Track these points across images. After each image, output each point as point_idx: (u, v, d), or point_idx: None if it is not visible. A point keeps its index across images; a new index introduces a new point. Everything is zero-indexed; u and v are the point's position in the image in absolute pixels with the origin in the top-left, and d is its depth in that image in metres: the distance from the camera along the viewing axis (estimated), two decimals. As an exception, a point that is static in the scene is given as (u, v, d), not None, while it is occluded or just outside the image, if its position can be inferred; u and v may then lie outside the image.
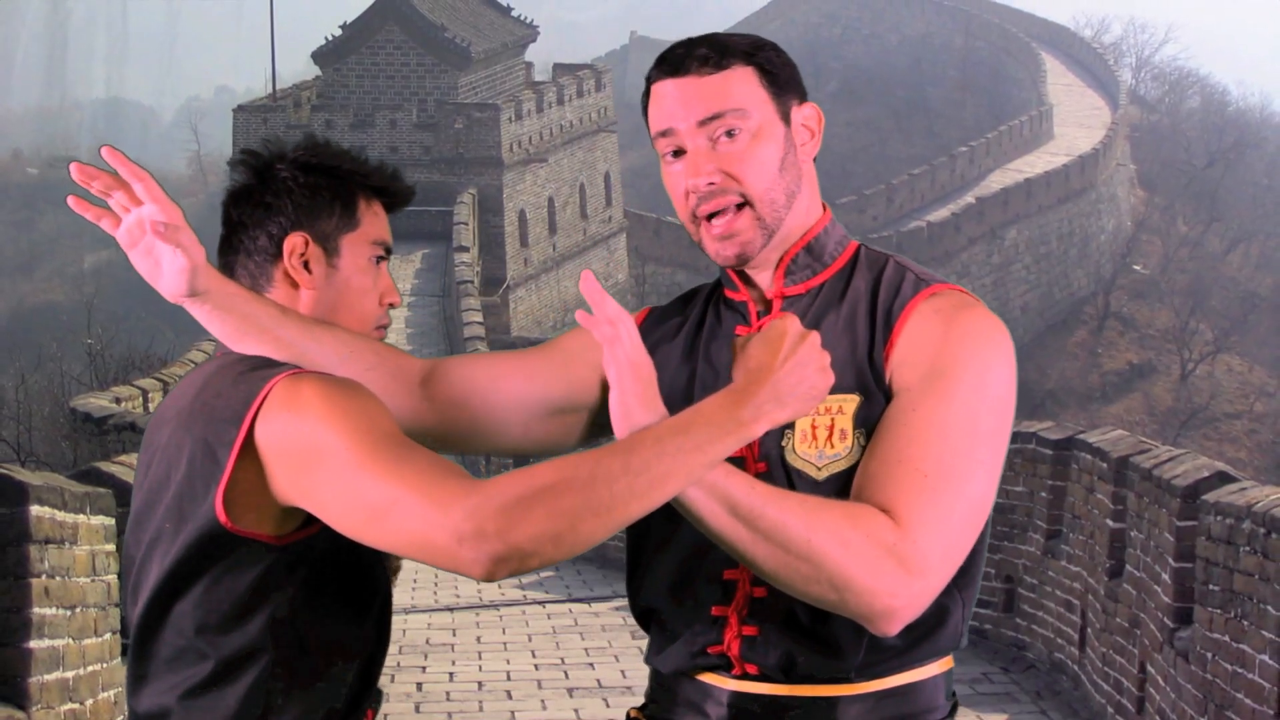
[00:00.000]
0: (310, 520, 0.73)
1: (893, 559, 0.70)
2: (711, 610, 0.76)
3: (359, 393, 0.72)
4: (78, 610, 1.79)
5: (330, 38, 19.21)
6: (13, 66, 67.44)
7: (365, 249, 0.80)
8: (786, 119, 0.78)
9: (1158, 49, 32.46)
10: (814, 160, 0.80)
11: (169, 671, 0.73)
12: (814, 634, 0.74)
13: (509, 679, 3.24)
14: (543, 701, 3.00)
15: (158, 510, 0.75)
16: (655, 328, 0.81)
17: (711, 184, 0.76)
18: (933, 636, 0.76)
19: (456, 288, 14.47)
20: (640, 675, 3.56)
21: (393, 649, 0.71)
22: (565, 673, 3.28)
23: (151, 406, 7.05)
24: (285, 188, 0.79)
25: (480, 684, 3.21)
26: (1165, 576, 2.53)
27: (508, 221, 18.45)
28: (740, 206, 0.76)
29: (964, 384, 0.74)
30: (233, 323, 0.74)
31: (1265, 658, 2.03)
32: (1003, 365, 0.75)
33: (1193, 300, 21.17)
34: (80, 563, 1.82)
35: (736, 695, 0.75)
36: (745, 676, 0.75)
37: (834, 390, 0.74)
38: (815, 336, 0.71)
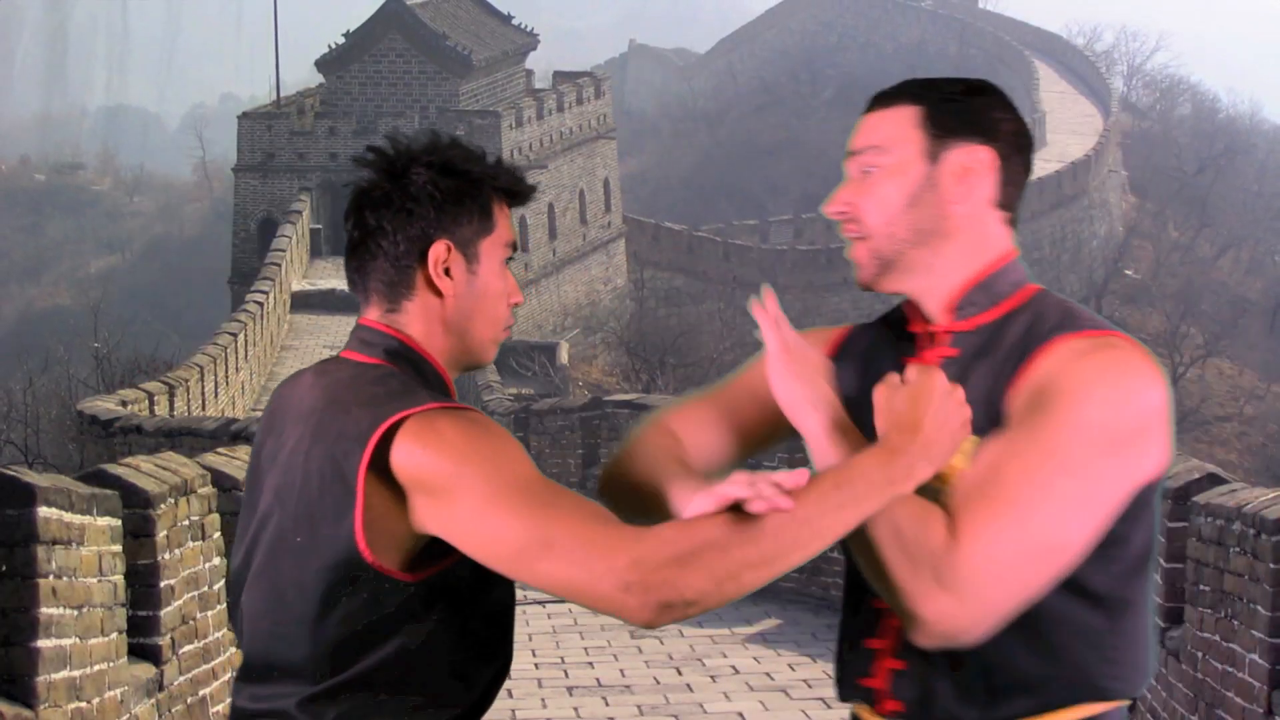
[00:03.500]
0: (445, 553, 0.73)
1: (928, 568, 0.71)
2: (866, 641, 0.77)
3: (495, 430, 0.73)
4: (85, 610, 1.81)
5: (333, 46, 19.31)
6: (12, 69, 67.32)
7: (500, 251, 0.81)
8: (935, 159, 0.79)
9: (1149, 57, 32.86)
10: (997, 204, 0.79)
11: (292, 679, 0.74)
12: (950, 674, 0.74)
13: (509, 678, 3.30)
14: (543, 700, 3.02)
15: (286, 521, 0.75)
16: (853, 343, 0.84)
17: (840, 213, 0.81)
18: (1063, 683, 0.74)
19: (456, 293, 14.58)
20: (639, 674, 3.58)
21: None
22: (565, 672, 3.30)
23: (158, 409, 6.99)
24: (427, 194, 0.78)
25: (482, 684, 3.29)
26: (1156, 577, 2.56)
27: (507, 227, 18.59)
28: (862, 235, 0.80)
29: (1056, 415, 0.72)
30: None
31: (1255, 657, 2.05)
32: (1115, 398, 0.73)
33: (1183, 304, 21.27)
34: (87, 563, 1.83)
35: None
36: (892, 715, 0.76)
37: None
38: (960, 392, 0.73)
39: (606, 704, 2.98)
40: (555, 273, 19.64)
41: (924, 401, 0.73)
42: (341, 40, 19.37)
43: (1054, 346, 0.76)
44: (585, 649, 3.49)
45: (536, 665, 3.36)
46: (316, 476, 0.74)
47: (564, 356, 15.76)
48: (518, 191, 0.82)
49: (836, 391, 0.78)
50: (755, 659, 3.36)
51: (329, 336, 13.13)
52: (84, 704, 1.82)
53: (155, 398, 7.12)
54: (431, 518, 0.72)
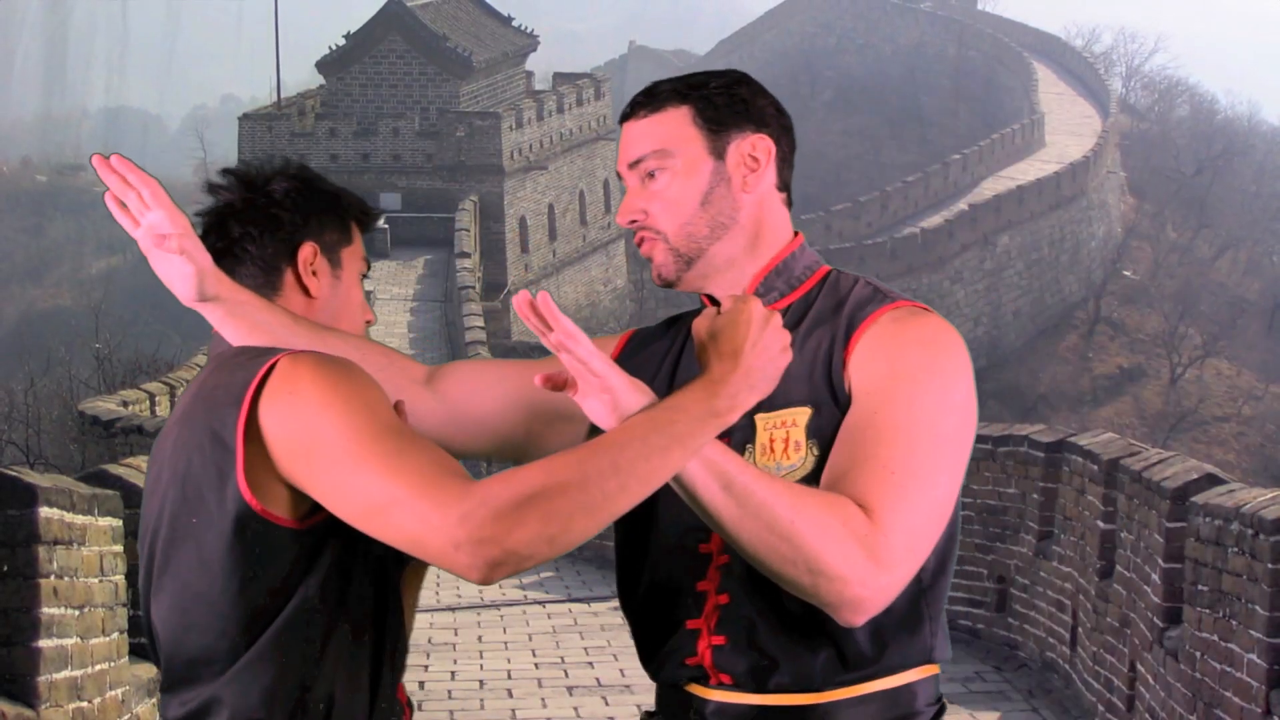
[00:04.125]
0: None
1: (864, 550, 0.72)
2: (686, 623, 0.78)
3: (356, 375, 0.72)
4: (86, 610, 1.82)
5: (334, 47, 19.34)
6: (12, 70, 67.30)
7: (358, 264, 0.83)
8: (720, 154, 0.80)
9: (1147, 58, 32.78)
10: (785, 187, 0.82)
11: (214, 665, 0.74)
12: (776, 643, 0.76)
13: (510, 678, 3.27)
14: (543, 700, 3.03)
15: (178, 511, 0.74)
16: (639, 350, 0.84)
17: (632, 221, 0.81)
18: (902, 645, 0.76)
19: (458, 293, 14.46)
20: (638, 674, 3.57)
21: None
22: (565, 671, 3.30)
23: (159, 410, 6.97)
24: (291, 200, 0.81)
25: (481, 682, 3.24)
26: (1155, 577, 2.56)
27: (508, 228, 18.46)
28: (659, 237, 0.80)
29: (927, 389, 0.75)
30: (245, 328, 0.76)
31: (1253, 656, 2.05)
32: (963, 373, 0.77)
33: (1182, 305, 21.28)
34: (88, 563, 1.85)
35: (718, 705, 0.77)
36: (722, 686, 0.77)
37: (787, 404, 0.77)
38: (777, 317, 0.73)
39: (606, 704, 2.98)
40: (555, 273, 19.64)
41: (743, 328, 0.72)
42: (342, 42, 19.38)
43: (877, 318, 0.78)
44: (585, 649, 3.48)
45: (536, 665, 3.36)
46: (197, 455, 0.74)
47: (564, 358, 15.81)
48: (367, 213, 0.84)
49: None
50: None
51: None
52: (85, 703, 1.83)
53: (156, 398, 7.11)
54: (295, 472, 0.72)
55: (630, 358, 0.83)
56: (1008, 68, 29.69)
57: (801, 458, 0.77)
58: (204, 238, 0.81)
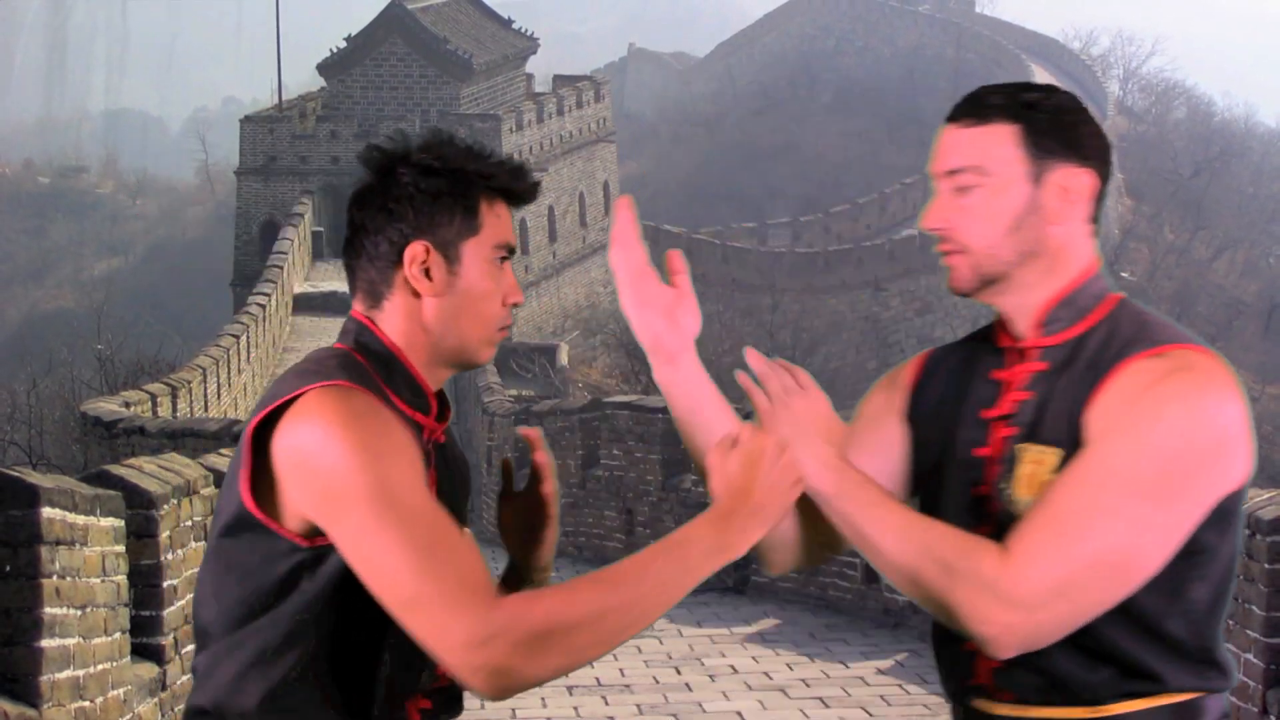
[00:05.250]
0: None
1: (989, 592, 0.74)
2: (963, 645, 0.79)
3: (388, 426, 0.72)
4: (88, 610, 1.82)
5: (335, 50, 19.35)
6: (11, 72, 67.22)
7: (487, 252, 0.79)
8: (1037, 180, 0.79)
9: (1145, 61, 32.82)
10: (1093, 221, 0.80)
11: (206, 640, 0.76)
12: (1054, 661, 0.77)
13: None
14: (543, 699, 3.03)
15: (220, 495, 0.79)
16: (937, 366, 0.86)
17: (938, 229, 0.82)
18: (1155, 673, 0.77)
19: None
20: (637, 673, 3.58)
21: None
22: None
23: (161, 411, 7.00)
24: (407, 194, 0.78)
25: (483, 684, 3.30)
26: (1150, 576, 2.62)
27: (508, 230, 18.62)
28: (963, 251, 0.81)
29: (1127, 436, 0.74)
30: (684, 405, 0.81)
31: (1251, 656, 2.07)
32: (1188, 420, 0.74)
33: (1179, 306, 21.40)
34: (90, 563, 1.85)
35: (1003, 719, 0.79)
36: (1006, 702, 0.79)
37: (1042, 440, 0.77)
38: (789, 454, 0.77)
39: (606, 703, 3.00)
40: (555, 275, 19.70)
41: (755, 465, 0.75)
42: (343, 44, 19.39)
43: (1128, 366, 0.77)
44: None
45: (536, 665, 3.42)
46: (235, 454, 0.77)
47: (564, 358, 15.77)
48: (513, 191, 0.80)
49: (917, 414, 0.81)
50: (754, 658, 3.37)
51: (330, 338, 12.73)
52: (87, 703, 1.84)
53: (158, 399, 7.11)
54: (314, 514, 0.73)
55: (928, 376, 0.85)
56: (1006, 70, 29.67)
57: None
58: (347, 215, 0.80)
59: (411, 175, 0.79)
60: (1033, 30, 33.26)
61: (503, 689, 0.70)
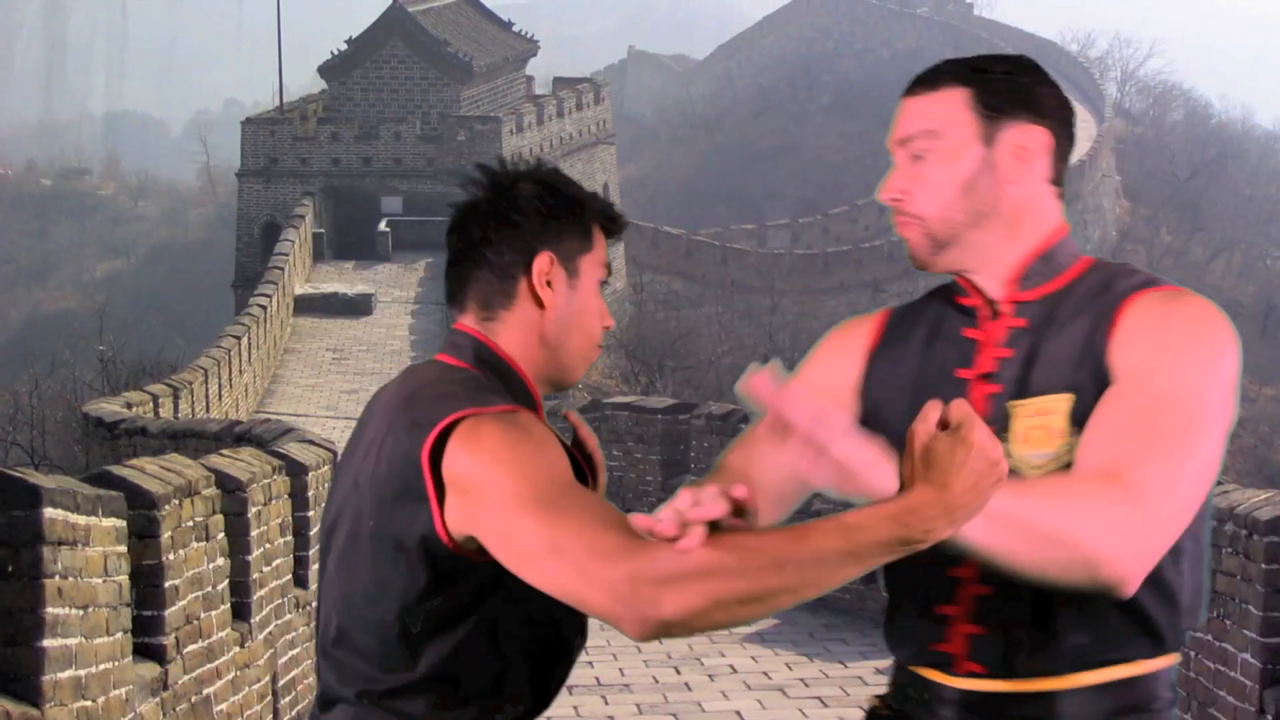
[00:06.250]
0: None
1: (1131, 527, 0.69)
2: (936, 608, 0.76)
3: (535, 433, 0.74)
4: (90, 610, 1.81)
5: (336, 52, 19.35)
6: (11, 73, 67.07)
7: (598, 270, 0.83)
8: (990, 141, 0.77)
9: (1142, 63, 33.01)
10: (1059, 180, 0.77)
11: (367, 666, 0.75)
12: (1034, 633, 0.74)
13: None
14: (544, 701, 3.09)
15: (364, 497, 0.76)
16: (898, 325, 0.82)
17: (894, 199, 0.79)
18: (1148, 633, 0.75)
19: (458, 297, 14.62)
20: (637, 673, 3.58)
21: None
22: (566, 673, 3.37)
23: (162, 412, 6.98)
24: (534, 208, 0.80)
25: (483, 685, 3.30)
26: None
27: (507, 233, 18.57)
28: (916, 218, 0.79)
29: (1192, 360, 0.73)
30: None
31: (1247, 656, 2.08)
32: (1229, 349, 0.74)
33: (1177, 309, 21.59)
34: (93, 564, 1.84)
35: (961, 692, 0.76)
36: (970, 675, 0.76)
37: (1045, 390, 0.74)
38: (999, 450, 0.66)
39: (606, 703, 3.00)
40: (554, 278, 19.60)
41: (960, 455, 0.66)
42: (344, 46, 19.40)
43: (1134, 302, 0.76)
44: (585, 648, 3.51)
45: (536, 666, 3.42)
46: (387, 464, 0.76)
47: (563, 360, 15.78)
48: (613, 219, 0.84)
49: (873, 394, 0.76)
50: (753, 658, 3.38)
51: (332, 339, 13.16)
52: (89, 703, 1.84)
53: (160, 400, 7.10)
54: (465, 518, 0.74)
55: (891, 335, 0.82)
56: (1004, 73, 29.83)
57: (1062, 445, 0.74)
58: (448, 234, 0.82)
59: (534, 190, 0.81)
60: (1030, 33, 33.37)
61: (646, 621, 0.66)
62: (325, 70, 19.52)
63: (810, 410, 0.68)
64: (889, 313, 0.85)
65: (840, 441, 0.68)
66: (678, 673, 3.24)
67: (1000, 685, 0.77)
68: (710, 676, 3.22)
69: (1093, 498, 0.71)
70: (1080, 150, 24.63)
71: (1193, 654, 2.30)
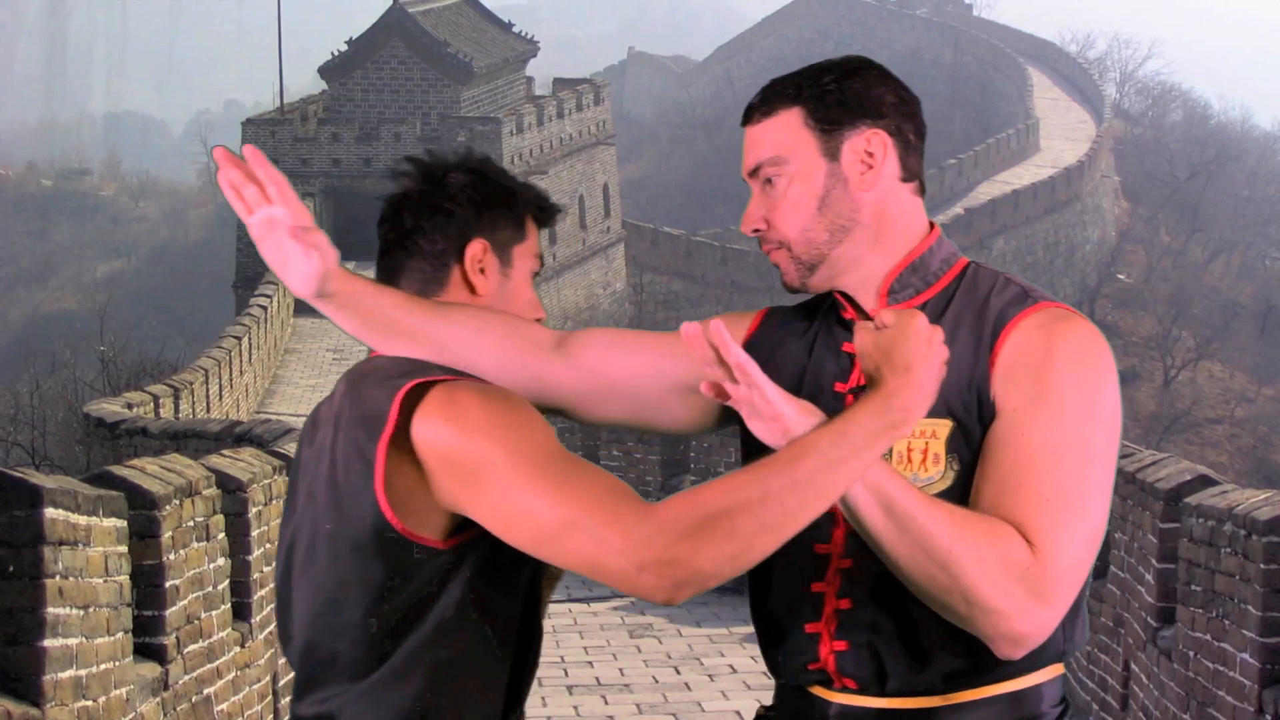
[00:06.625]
0: (471, 522, 0.72)
1: (1023, 586, 0.70)
2: (805, 627, 0.77)
3: (517, 404, 0.72)
4: (91, 610, 1.82)
5: (336, 53, 19.38)
6: (11, 74, 66.95)
7: (530, 261, 0.82)
8: (834, 155, 0.78)
9: (1141, 64, 33.03)
10: (903, 179, 0.77)
11: (339, 675, 0.73)
12: (900, 647, 0.75)
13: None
14: (543, 699, 3.04)
15: (318, 503, 0.75)
16: (778, 328, 0.82)
17: (756, 231, 0.80)
18: (1006, 658, 0.74)
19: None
20: (636, 673, 3.58)
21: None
22: (565, 670, 3.31)
23: (163, 412, 6.98)
24: (466, 196, 0.79)
25: (483, 684, 3.30)
26: (1149, 577, 2.59)
27: (507, 233, 18.60)
28: (781, 245, 0.79)
29: (1072, 404, 0.72)
30: (359, 319, 0.74)
31: (1246, 656, 2.08)
32: (1109, 383, 0.74)
33: (1175, 308, 21.38)
34: (93, 564, 1.85)
35: (842, 708, 0.76)
36: (846, 690, 0.76)
37: (928, 414, 0.73)
38: (939, 333, 0.71)
39: (606, 703, 3.01)
40: (555, 277, 19.71)
41: (913, 341, 0.71)
42: (344, 47, 19.43)
43: (1020, 324, 0.76)
44: (585, 648, 3.49)
45: (536, 666, 3.42)
46: (341, 461, 0.74)
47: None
48: (545, 209, 0.83)
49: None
50: (752, 658, 3.36)
51: (332, 340, 13.14)
52: (90, 702, 1.84)
53: (160, 400, 7.09)
54: (458, 498, 0.72)
55: (768, 336, 0.82)
56: (1003, 74, 29.79)
57: (940, 471, 0.75)
58: (379, 225, 0.80)
59: (466, 179, 0.80)
60: (1030, 34, 33.24)
61: (675, 583, 0.66)
62: (325, 71, 19.54)
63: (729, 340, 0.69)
64: (767, 311, 0.85)
65: (750, 367, 0.69)
66: (677, 673, 3.25)
67: (877, 702, 0.76)
68: (710, 676, 3.22)
69: (1007, 554, 0.71)
70: (1079, 151, 24.52)
71: (1192, 654, 2.30)
